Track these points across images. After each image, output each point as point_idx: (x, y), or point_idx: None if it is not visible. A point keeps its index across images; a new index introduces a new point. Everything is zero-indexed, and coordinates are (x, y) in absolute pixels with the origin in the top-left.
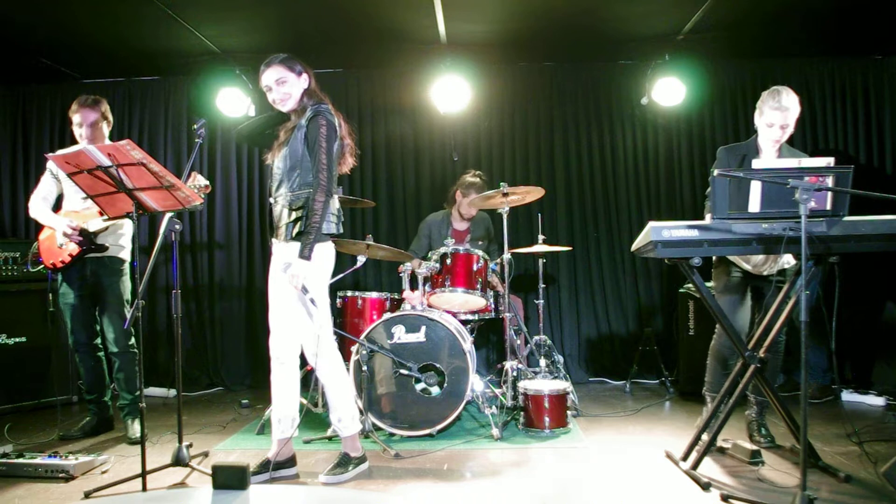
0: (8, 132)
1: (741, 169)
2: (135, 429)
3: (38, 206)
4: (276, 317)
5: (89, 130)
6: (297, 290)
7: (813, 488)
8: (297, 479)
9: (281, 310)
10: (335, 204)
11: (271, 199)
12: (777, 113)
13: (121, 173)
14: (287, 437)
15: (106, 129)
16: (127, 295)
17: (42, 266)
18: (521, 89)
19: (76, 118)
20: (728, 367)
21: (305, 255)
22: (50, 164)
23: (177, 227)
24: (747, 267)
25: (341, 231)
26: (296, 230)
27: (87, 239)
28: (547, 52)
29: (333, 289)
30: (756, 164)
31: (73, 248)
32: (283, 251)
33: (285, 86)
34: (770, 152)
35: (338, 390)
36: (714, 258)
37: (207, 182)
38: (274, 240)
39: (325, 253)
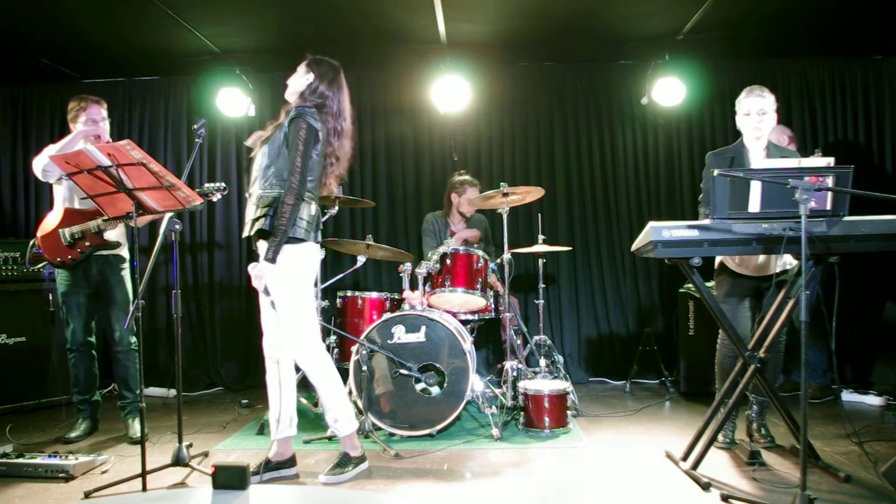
0: (8, 132)
1: (742, 169)
2: (135, 428)
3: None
4: (267, 317)
5: (106, 125)
6: (260, 291)
7: (813, 488)
8: (297, 479)
9: (270, 310)
10: (311, 209)
11: (247, 194)
12: (752, 99)
13: (121, 173)
14: (286, 436)
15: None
16: (131, 293)
17: (45, 264)
18: (521, 89)
19: (103, 112)
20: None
21: (269, 257)
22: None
23: (177, 227)
24: (748, 271)
25: (316, 239)
26: (257, 227)
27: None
28: (547, 52)
29: (333, 289)
30: (756, 164)
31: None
32: (261, 251)
33: (291, 77)
34: (757, 151)
35: (330, 391)
36: (716, 264)
37: (223, 184)
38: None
39: (301, 256)
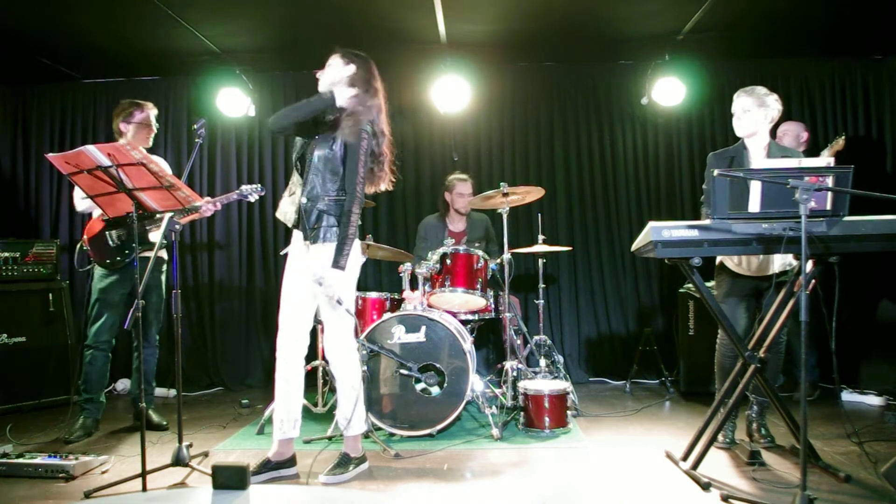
0: (8, 132)
1: (742, 169)
2: (157, 417)
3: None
4: (290, 316)
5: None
6: (332, 301)
7: (813, 488)
8: (297, 479)
9: (296, 309)
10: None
11: (302, 198)
12: (738, 100)
13: (121, 173)
14: (288, 437)
15: None
16: (164, 295)
17: (91, 266)
18: (521, 89)
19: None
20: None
21: (342, 265)
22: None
23: (177, 227)
24: (748, 272)
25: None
26: (330, 235)
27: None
28: (547, 52)
29: None
30: (756, 164)
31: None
32: (312, 253)
33: (328, 69)
34: (758, 150)
35: (352, 390)
36: (716, 263)
37: (260, 186)
38: (299, 239)
39: (354, 255)
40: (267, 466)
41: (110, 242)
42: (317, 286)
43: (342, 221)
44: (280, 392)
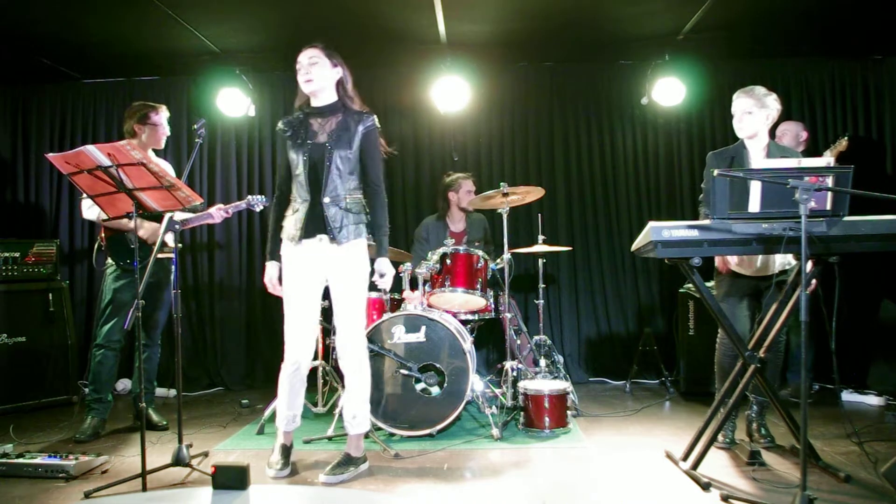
0: (8, 132)
1: (742, 169)
2: (157, 416)
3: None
4: (302, 319)
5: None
6: (385, 289)
7: (813, 488)
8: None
9: (304, 312)
10: None
11: (325, 198)
12: (738, 101)
13: (121, 173)
14: (294, 428)
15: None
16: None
17: (111, 266)
18: (521, 89)
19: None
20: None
21: (387, 255)
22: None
23: (176, 227)
24: (748, 272)
25: None
26: (364, 231)
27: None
28: (547, 52)
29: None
30: (756, 164)
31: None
32: (342, 252)
33: (314, 68)
34: (757, 150)
35: (363, 388)
36: (715, 264)
37: (263, 197)
38: (310, 240)
39: (366, 255)
40: (286, 451)
41: (129, 243)
42: (381, 285)
43: (379, 214)
44: (289, 393)
